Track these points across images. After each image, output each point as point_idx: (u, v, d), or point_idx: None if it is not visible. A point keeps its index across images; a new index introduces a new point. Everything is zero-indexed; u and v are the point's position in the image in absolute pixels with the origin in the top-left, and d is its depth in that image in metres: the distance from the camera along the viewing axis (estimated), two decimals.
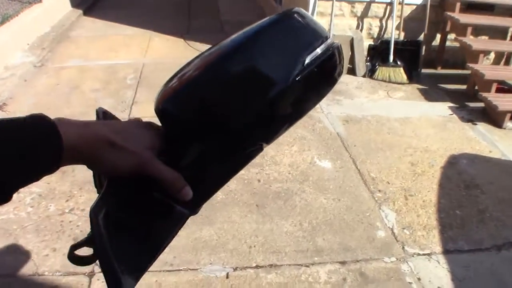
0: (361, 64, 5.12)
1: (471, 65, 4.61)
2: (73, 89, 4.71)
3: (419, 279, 2.56)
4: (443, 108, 4.56)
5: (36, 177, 0.50)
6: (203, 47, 6.00)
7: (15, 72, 5.04)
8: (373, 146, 3.78)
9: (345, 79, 5.09)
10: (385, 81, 5.06)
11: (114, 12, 7.84)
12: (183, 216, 0.59)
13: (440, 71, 5.51)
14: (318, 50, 0.59)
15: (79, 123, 0.54)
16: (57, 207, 3.00)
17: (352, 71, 5.20)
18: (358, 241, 2.79)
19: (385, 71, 5.07)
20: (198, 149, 0.59)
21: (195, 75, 0.59)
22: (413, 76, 5.11)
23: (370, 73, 5.15)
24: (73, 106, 4.32)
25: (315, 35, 0.60)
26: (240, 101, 0.56)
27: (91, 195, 3.13)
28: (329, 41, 0.61)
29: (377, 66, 5.12)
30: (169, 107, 0.59)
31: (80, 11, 7.60)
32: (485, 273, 2.63)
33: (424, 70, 5.29)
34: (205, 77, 0.57)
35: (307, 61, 0.57)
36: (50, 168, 0.50)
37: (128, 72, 5.12)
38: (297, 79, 0.56)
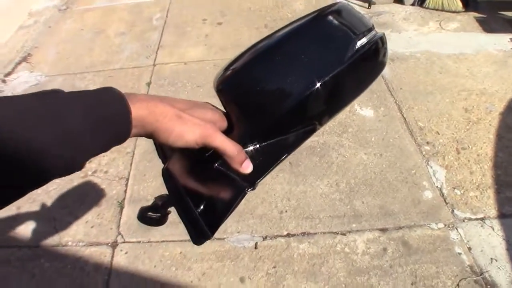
0: None
1: None
2: (98, 33, 4.45)
3: (469, 248, 2.28)
4: (504, 41, 4.00)
5: (106, 150, 0.53)
6: None
7: (38, 19, 4.82)
8: (422, 89, 3.37)
9: (390, 9, 4.55)
10: (437, 9, 4.47)
11: None
12: (243, 189, 0.61)
13: None
14: (365, 39, 0.62)
15: (147, 98, 0.56)
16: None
17: (399, 0, 4.63)
18: (401, 204, 2.51)
19: None
20: (255, 128, 0.62)
21: (255, 57, 0.62)
22: (469, 2, 4.50)
23: (420, 1, 4.56)
24: (95, 54, 4.09)
25: (362, 25, 0.64)
26: (296, 83, 0.59)
27: (114, 155, 2.95)
28: (373, 32, 0.65)
29: None
30: (227, 88, 0.63)
31: None
32: None
33: None
34: (263, 63, 0.61)
35: (357, 46, 0.61)
36: (118, 142, 0.54)
37: (155, 11, 4.79)
38: (350, 61, 0.60)
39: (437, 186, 2.61)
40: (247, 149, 0.62)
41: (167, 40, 4.21)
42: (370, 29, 0.64)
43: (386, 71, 3.58)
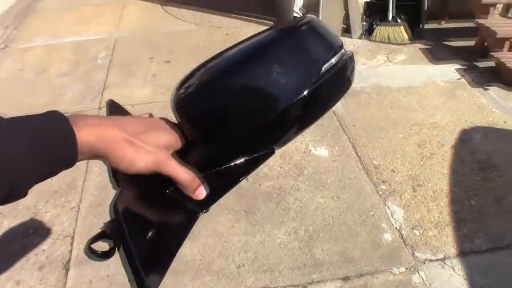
0: (357, 24, 4.60)
1: (480, 21, 4.10)
2: (39, 74, 4.24)
3: None
4: (450, 71, 4.10)
5: (53, 175, 0.51)
6: (182, 12, 5.48)
7: None
8: (374, 125, 3.36)
9: None
10: (384, 42, 4.55)
11: None
12: (195, 214, 0.59)
13: (444, 25, 4.99)
14: (333, 60, 0.60)
15: (96, 122, 0.53)
16: (20, 228, 2.64)
17: (347, 33, 4.68)
18: (361, 249, 2.44)
19: (383, 31, 4.56)
20: (212, 149, 0.60)
21: (213, 78, 0.60)
22: (415, 33, 4.61)
23: (367, 33, 4.63)
24: (36, 96, 3.88)
25: (331, 45, 0.62)
26: (258, 106, 0.57)
27: (57, 211, 2.75)
28: (342, 50, 0.63)
29: (374, 26, 4.59)
30: (185, 107, 0.60)
31: None
32: (509, 279, 2.29)
33: (427, 26, 4.79)
34: (222, 83, 0.58)
35: (323, 69, 0.59)
36: (65, 167, 0.51)
37: (99, 50, 4.62)
38: (315, 85, 0.58)
39: (396, 227, 2.56)
40: (203, 171, 0.60)
41: (113, 80, 4.05)
42: (340, 47, 0.62)
43: (338, 107, 3.57)
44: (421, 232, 2.54)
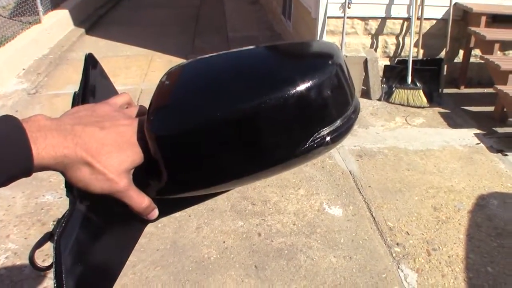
0: (376, 87, 4.69)
1: (499, 87, 4.14)
2: None
3: None
4: (468, 136, 4.10)
5: (8, 183, 0.49)
6: None
7: (6, 103, 4.75)
8: (390, 186, 3.36)
9: None
10: (403, 105, 4.61)
11: (118, 28, 7.55)
12: (141, 229, 0.58)
13: (463, 90, 5.04)
14: (338, 122, 0.51)
15: (59, 142, 0.50)
16: None
17: (366, 94, 4.76)
18: None
19: (403, 94, 4.62)
20: (174, 174, 0.54)
21: (198, 107, 0.51)
22: (433, 98, 4.66)
23: (386, 96, 4.70)
24: None
25: (344, 101, 0.52)
26: (230, 155, 0.51)
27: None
28: (350, 109, 0.53)
29: (394, 89, 4.67)
30: (155, 126, 0.52)
31: (82, 30, 7.32)
32: None
33: (446, 90, 4.84)
34: (204, 116, 0.50)
35: (322, 133, 0.50)
36: (23, 176, 0.50)
37: None
38: (302, 150, 0.50)
39: None
40: (158, 193, 0.57)
41: None
42: (346, 108, 0.53)
43: (354, 168, 3.58)
44: None
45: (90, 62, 0.64)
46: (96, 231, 0.56)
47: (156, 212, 0.58)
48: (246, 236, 2.85)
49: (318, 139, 0.51)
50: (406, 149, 3.84)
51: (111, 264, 0.57)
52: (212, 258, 2.67)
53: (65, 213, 0.53)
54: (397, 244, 2.83)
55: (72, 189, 0.55)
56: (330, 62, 0.52)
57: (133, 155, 0.55)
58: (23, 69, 5.59)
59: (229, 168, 0.52)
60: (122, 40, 6.82)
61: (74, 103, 0.60)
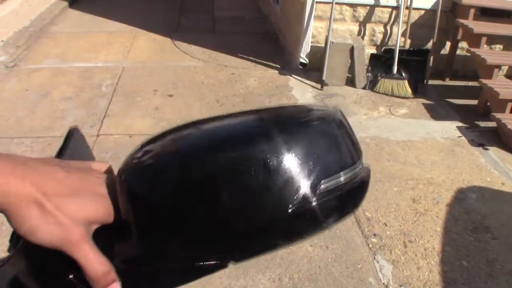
0: (362, 75, 4.65)
1: (484, 81, 4.14)
2: (43, 96, 4.27)
3: None
4: (451, 128, 4.10)
5: None
6: (191, 49, 5.56)
7: None
8: (370, 176, 3.33)
9: (342, 91, 4.63)
10: (387, 94, 4.58)
11: (103, 3, 7.36)
12: None
13: (448, 82, 5.03)
14: (342, 178, 0.44)
15: (7, 169, 0.41)
16: None
17: (351, 82, 4.72)
18: None
19: (387, 84, 4.59)
20: (146, 241, 0.45)
21: (183, 154, 0.45)
22: (418, 88, 4.64)
23: (371, 85, 4.67)
24: (37, 118, 3.89)
25: (346, 155, 0.45)
26: (214, 211, 0.43)
27: None
28: (358, 165, 0.45)
29: (379, 78, 4.64)
30: (130, 179, 0.46)
31: (65, 3, 7.12)
32: None
33: (431, 82, 4.82)
34: (194, 162, 0.44)
35: (321, 189, 0.43)
36: None
37: (105, 77, 4.67)
38: (299, 207, 0.42)
39: (383, 283, 2.50)
40: (125, 265, 0.46)
41: (115, 109, 4.07)
42: (359, 157, 0.47)
43: None
44: None
45: (72, 138, 0.56)
46: None
47: (116, 287, 0.45)
48: None
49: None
50: (388, 139, 3.82)
51: None
52: None
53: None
54: (374, 235, 2.82)
55: (13, 235, 0.47)
56: None
57: (97, 205, 0.46)
58: (2, 41, 5.42)
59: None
60: (106, 16, 6.66)
61: None
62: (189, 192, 0.43)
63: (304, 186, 0.43)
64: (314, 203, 0.43)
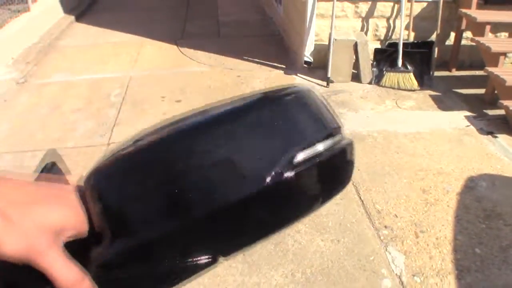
0: (367, 70, 4.66)
1: (490, 69, 4.12)
2: (53, 109, 4.35)
3: None
4: (458, 118, 4.09)
5: None
6: (197, 54, 5.62)
7: None
8: (379, 169, 3.35)
9: (348, 87, 4.64)
10: (393, 88, 4.59)
11: (108, 15, 7.49)
12: None
13: (454, 73, 5.02)
14: (319, 146, 0.42)
15: None
16: None
17: (356, 78, 4.74)
18: None
19: (393, 77, 4.60)
20: (122, 243, 0.41)
21: (149, 148, 0.43)
22: (424, 81, 4.64)
23: (377, 79, 4.68)
24: (49, 130, 3.97)
25: (319, 124, 0.44)
26: (194, 196, 0.40)
27: None
28: (337, 136, 0.45)
29: (384, 72, 4.65)
30: (96, 179, 0.44)
31: (72, 17, 7.24)
32: None
33: (437, 73, 4.81)
34: (161, 153, 0.43)
35: (297, 159, 0.41)
36: None
37: (114, 87, 4.75)
38: (277, 181, 0.40)
39: (396, 274, 2.51)
40: (101, 269, 0.42)
41: (124, 117, 4.14)
42: (336, 129, 0.45)
43: None
44: (422, 279, 2.48)
45: (49, 163, 0.52)
46: None
47: None
48: None
49: None
50: (395, 132, 3.83)
51: None
52: None
53: None
54: (385, 227, 2.83)
55: None
56: None
57: (66, 212, 0.42)
58: (12, 58, 5.54)
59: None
60: (112, 27, 6.76)
61: None
62: (155, 187, 0.41)
63: (279, 160, 0.41)
64: (291, 173, 0.40)
